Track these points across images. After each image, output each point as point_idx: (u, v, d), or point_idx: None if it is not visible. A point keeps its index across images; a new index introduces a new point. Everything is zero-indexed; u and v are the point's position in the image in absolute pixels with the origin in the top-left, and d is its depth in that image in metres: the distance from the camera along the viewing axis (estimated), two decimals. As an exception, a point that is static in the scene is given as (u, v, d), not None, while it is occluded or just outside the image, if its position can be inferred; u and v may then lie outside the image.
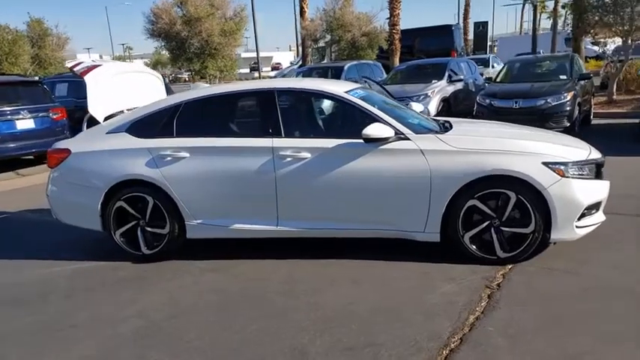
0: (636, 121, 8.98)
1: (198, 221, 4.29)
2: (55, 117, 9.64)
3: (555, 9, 28.89)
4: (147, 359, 2.94)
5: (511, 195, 3.73)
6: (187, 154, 4.20)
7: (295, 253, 4.32)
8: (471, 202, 3.81)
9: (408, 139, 3.91)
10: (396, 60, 17.87)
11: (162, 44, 15.15)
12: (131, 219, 4.41)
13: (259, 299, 3.62)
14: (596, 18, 13.20)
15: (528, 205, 3.71)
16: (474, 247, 3.87)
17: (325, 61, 21.51)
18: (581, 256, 3.91)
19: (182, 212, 4.27)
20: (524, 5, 69.84)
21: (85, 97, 11.20)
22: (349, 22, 17.00)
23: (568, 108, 8.72)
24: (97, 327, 3.38)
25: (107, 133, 4.53)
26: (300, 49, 20.37)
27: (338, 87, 4.29)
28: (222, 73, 15.33)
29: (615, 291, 3.36)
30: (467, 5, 33.76)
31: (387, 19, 18.06)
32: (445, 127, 4.33)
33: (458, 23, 26.57)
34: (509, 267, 3.81)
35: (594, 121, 10.87)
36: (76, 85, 11.51)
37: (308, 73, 13.72)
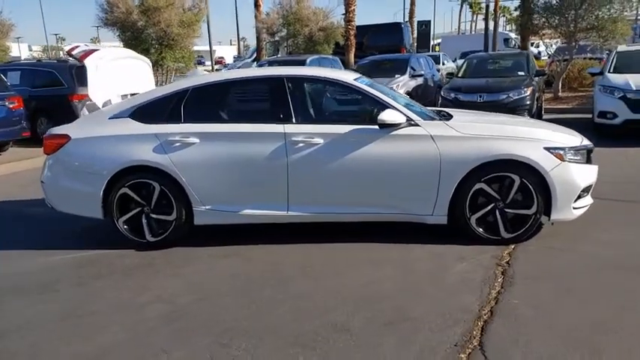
0: (587, 116, 9.68)
1: (207, 207, 4.25)
2: (11, 106, 9.06)
3: (496, 10, 30.36)
4: (187, 341, 2.92)
5: (515, 178, 3.97)
6: (197, 140, 4.15)
7: (304, 238, 4.37)
8: (478, 186, 4.02)
9: (418, 125, 4.07)
10: (351, 55, 18.15)
11: (117, 34, 14.57)
12: (135, 206, 4.30)
13: (281, 282, 3.65)
14: (543, 20, 14.05)
15: (531, 188, 3.96)
16: (481, 229, 4.09)
17: (279, 54, 21.50)
18: (574, 236, 4.21)
19: (190, 198, 4.22)
20: (462, 6, 72.83)
21: (40, 87, 10.61)
22: (306, 16, 17.07)
23: (528, 102, 9.27)
24: (119, 313, 3.30)
25: (110, 118, 4.38)
26: (255, 42, 20.19)
27: (346, 75, 4.39)
28: (179, 64, 14.95)
29: (611, 266, 3.67)
30: (412, 4, 34.67)
31: (343, 14, 18.32)
32: (444, 116, 4.53)
33: (407, 21, 27.32)
34: (513, 247, 4.06)
35: (545, 116, 11.56)
36: (30, 73, 10.85)
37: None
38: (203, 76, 4.55)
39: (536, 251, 3.97)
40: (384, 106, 4.10)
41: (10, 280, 3.89)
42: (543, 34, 14.30)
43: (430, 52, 26.93)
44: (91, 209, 4.35)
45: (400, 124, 3.99)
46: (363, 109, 4.31)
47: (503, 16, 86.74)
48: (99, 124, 4.41)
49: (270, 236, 4.43)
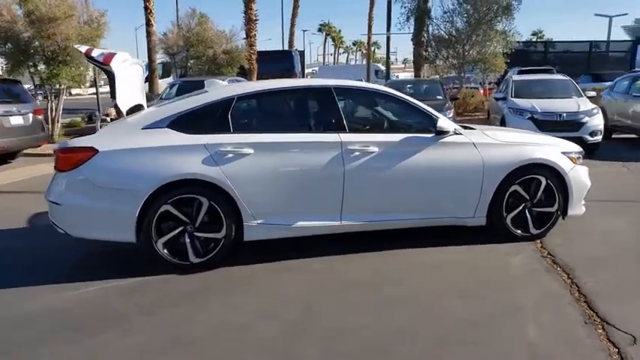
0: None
1: (259, 221, 4.03)
2: None
3: (369, 44, 32.94)
4: (340, 348, 2.77)
5: (542, 179, 4.45)
6: (251, 150, 3.94)
7: (344, 248, 4.33)
8: (513, 188, 4.42)
9: (461, 133, 4.38)
10: (254, 78, 18.20)
11: (-5, 45, 12.70)
12: (175, 225, 3.91)
13: (364, 289, 3.62)
14: (435, 52, 15.72)
15: (554, 188, 4.48)
16: (518, 230, 4.47)
17: (171, 77, 20.72)
18: (576, 229, 4.79)
19: (242, 213, 3.97)
20: (325, 39, 77.21)
21: None
22: (209, 38, 16.76)
23: (452, 123, 10.25)
24: (233, 333, 3.00)
25: (143, 128, 3.94)
26: (148, 62, 19.11)
27: (388, 88, 4.56)
28: (75, 82, 13.53)
29: (630, 247, 4.34)
30: (291, 35, 35.96)
31: (244, 39, 18.36)
32: (468, 127, 4.88)
33: (297, 49, 28.28)
34: (539, 242, 4.52)
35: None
36: None
37: (183, 87, 13.09)
38: (236, 85, 4.35)
39: (563, 244, 4.46)
40: (429, 115, 4.34)
41: (54, 317, 3.25)
42: (436, 66, 15.95)
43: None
44: (122, 231, 3.85)
45: (449, 131, 4.26)
46: (409, 119, 4.48)
47: (359, 50, 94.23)
48: (131, 135, 3.94)
49: (308, 249, 4.29)
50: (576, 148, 4.77)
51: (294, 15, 34.74)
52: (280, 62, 23.06)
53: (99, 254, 4.45)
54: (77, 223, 3.89)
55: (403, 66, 75.32)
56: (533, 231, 4.53)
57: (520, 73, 16.86)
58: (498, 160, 4.35)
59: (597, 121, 9.56)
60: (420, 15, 15.90)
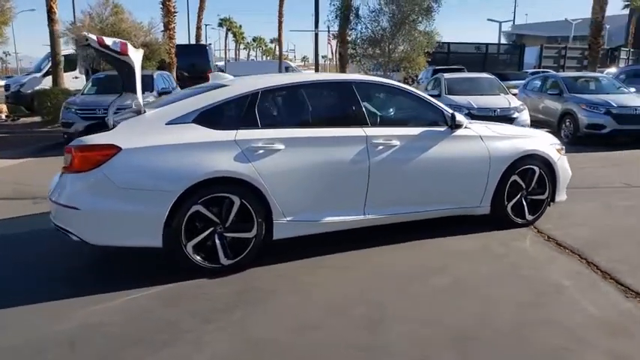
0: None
1: (289, 219, 3.90)
2: None
3: (280, 41, 32.94)
4: (432, 339, 2.80)
5: (536, 169, 4.81)
6: (282, 146, 3.80)
7: (366, 241, 4.35)
8: (513, 178, 4.72)
9: (469, 127, 4.58)
10: (174, 72, 17.38)
11: None
12: (205, 225, 3.66)
13: (413, 280, 3.66)
14: (362, 50, 16.14)
15: (545, 177, 4.86)
16: (518, 218, 4.78)
17: (76, 71, 19.16)
18: (557, 215, 5.24)
19: (273, 211, 3.82)
20: (227, 35, 75.76)
21: None
22: (125, 30, 15.64)
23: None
24: (311, 331, 2.88)
25: (167, 124, 3.63)
26: (51, 54, 17.34)
27: (401, 84, 4.64)
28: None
29: (613, 227, 4.83)
30: (198, 29, 34.68)
31: (162, 31, 17.40)
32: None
33: (211, 44, 27.38)
34: (533, 227, 4.87)
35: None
36: None
37: (106, 81, 12.17)
38: (256, 79, 4.17)
39: (555, 228, 4.83)
40: (441, 109, 4.50)
41: (102, 332, 2.89)
42: (363, 63, 16.37)
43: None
44: (148, 236, 3.53)
45: (464, 124, 4.45)
46: (423, 113, 4.55)
47: (259, 47, 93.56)
48: (155, 131, 3.60)
49: (328, 245, 4.24)
50: (557, 140, 5.22)
51: (201, 8, 33.52)
52: (196, 57, 22.34)
53: (95, 261, 4.07)
54: (97, 229, 3.49)
55: (302, 63, 76.22)
56: (529, 217, 4.87)
57: (435, 72, 17.93)
58: (502, 151, 4.62)
59: (525, 116, 10.48)
60: (346, 13, 16.23)
